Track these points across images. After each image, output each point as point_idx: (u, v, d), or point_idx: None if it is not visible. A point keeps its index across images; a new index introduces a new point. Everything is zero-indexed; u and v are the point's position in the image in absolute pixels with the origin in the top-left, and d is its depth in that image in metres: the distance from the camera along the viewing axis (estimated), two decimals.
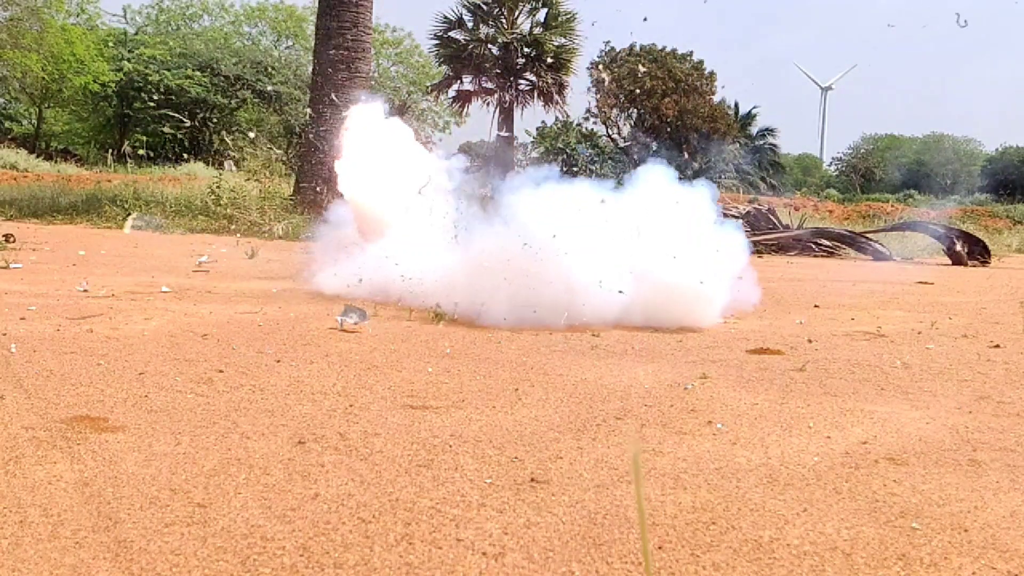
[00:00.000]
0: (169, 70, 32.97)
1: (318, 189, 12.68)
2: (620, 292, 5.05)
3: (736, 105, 39.55)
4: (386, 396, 3.25)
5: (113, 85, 32.77)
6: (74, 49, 30.52)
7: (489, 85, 25.80)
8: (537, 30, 25.64)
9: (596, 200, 5.36)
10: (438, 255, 5.83)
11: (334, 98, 11.77)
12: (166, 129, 33.12)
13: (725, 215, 9.11)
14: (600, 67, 31.99)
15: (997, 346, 4.88)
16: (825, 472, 2.47)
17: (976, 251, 13.51)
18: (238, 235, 11.39)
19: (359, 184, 6.67)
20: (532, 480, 2.33)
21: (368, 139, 6.68)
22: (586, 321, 4.99)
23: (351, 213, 6.92)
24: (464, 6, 25.67)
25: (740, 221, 10.52)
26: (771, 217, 15.01)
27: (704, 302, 5.19)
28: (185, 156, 31.26)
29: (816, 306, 6.74)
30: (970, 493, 2.32)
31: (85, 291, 5.95)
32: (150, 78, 32.96)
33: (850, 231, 15.40)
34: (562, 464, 2.48)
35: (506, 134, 24.65)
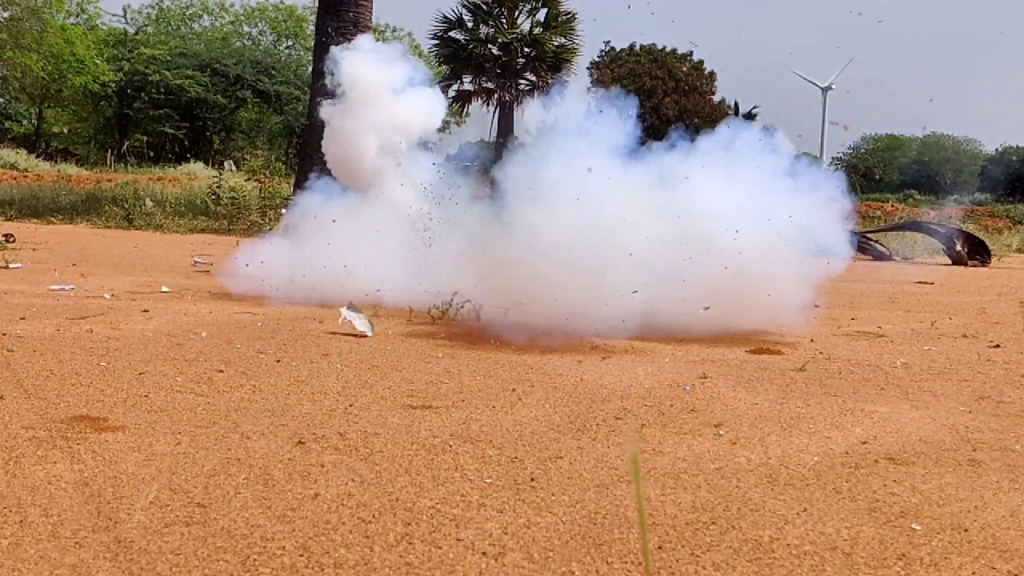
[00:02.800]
0: (169, 70, 32.96)
1: None
2: (706, 308, 4.57)
3: (736, 105, 39.56)
4: (386, 396, 3.25)
5: (113, 85, 32.76)
6: (74, 49, 30.50)
7: (489, 85, 25.76)
8: (537, 30, 25.62)
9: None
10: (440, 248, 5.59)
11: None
12: (166, 129, 33.15)
13: None
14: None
15: (997, 346, 4.88)
16: (825, 472, 2.47)
17: (976, 251, 13.52)
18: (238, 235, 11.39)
19: (342, 146, 6.02)
20: (532, 480, 2.33)
21: (360, 87, 5.92)
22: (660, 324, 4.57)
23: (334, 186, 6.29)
24: (464, 6, 25.64)
25: None
26: None
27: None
28: (186, 156, 31.32)
29: (816, 306, 6.74)
30: (970, 493, 2.32)
31: (71, 289, 5.96)
32: (150, 78, 32.97)
33: (850, 231, 15.39)
34: (562, 464, 2.48)
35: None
